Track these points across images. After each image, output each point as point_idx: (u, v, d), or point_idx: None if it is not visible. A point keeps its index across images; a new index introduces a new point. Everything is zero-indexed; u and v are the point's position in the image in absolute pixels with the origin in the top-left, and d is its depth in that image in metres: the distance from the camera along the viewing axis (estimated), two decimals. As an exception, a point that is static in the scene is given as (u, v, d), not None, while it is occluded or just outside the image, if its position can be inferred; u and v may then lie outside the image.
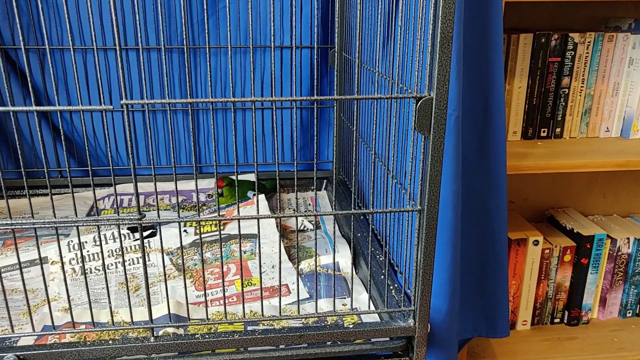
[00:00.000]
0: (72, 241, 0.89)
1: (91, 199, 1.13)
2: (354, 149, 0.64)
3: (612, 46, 1.17)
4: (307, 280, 0.85)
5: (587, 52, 1.17)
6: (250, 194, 1.10)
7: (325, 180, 1.23)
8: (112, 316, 0.66)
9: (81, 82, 1.12)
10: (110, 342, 0.63)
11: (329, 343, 0.67)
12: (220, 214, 1.01)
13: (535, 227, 1.27)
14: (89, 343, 0.63)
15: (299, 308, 0.72)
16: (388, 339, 0.68)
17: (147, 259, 0.88)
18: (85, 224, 0.62)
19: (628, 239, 1.26)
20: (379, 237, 0.88)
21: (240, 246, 0.65)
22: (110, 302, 0.65)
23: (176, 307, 0.74)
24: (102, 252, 0.65)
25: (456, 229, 0.75)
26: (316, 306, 0.71)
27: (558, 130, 1.22)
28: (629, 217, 1.39)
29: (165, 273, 0.67)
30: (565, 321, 1.32)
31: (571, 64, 1.17)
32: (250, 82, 0.94)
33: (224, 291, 0.68)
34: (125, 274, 0.64)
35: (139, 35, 0.76)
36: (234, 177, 1.07)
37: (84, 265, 0.63)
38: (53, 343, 0.66)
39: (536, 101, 1.19)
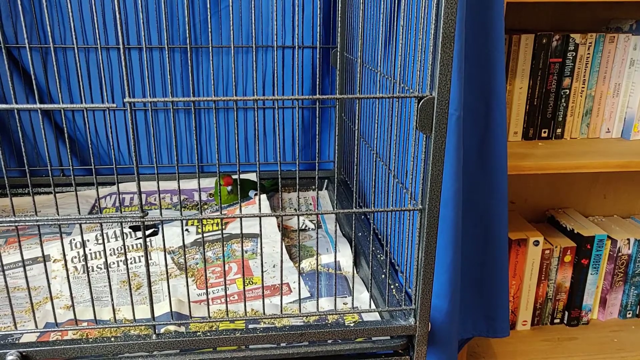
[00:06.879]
0: (74, 239, 0.89)
1: (93, 197, 1.13)
2: (355, 148, 0.65)
3: (613, 47, 1.18)
4: (308, 279, 0.86)
5: (588, 53, 1.17)
6: (251, 193, 1.10)
7: (326, 180, 1.23)
8: (114, 314, 0.66)
9: (84, 81, 1.12)
10: (112, 339, 0.63)
11: (329, 341, 0.67)
12: (222, 213, 1.01)
13: (535, 228, 1.28)
14: (91, 340, 0.63)
15: (300, 306, 0.72)
16: (389, 337, 0.69)
17: (149, 258, 0.88)
18: (88, 222, 0.62)
19: (628, 239, 1.27)
20: (379, 237, 0.88)
21: (242, 245, 0.66)
22: (112, 300, 0.65)
23: (178, 305, 0.74)
24: (104, 250, 0.65)
25: (457, 228, 0.75)
26: (317, 305, 0.71)
27: (559, 130, 1.22)
28: (629, 218, 1.39)
29: (167, 272, 0.67)
30: (565, 322, 1.32)
31: (572, 65, 1.17)
32: (252, 82, 0.94)
33: (225, 289, 0.68)
34: (128, 272, 0.64)
35: (142, 34, 0.76)
36: (235, 177, 1.07)
37: (86, 263, 0.63)
38: (55, 340, 0.66)
39: (537, 102, 1.20)
